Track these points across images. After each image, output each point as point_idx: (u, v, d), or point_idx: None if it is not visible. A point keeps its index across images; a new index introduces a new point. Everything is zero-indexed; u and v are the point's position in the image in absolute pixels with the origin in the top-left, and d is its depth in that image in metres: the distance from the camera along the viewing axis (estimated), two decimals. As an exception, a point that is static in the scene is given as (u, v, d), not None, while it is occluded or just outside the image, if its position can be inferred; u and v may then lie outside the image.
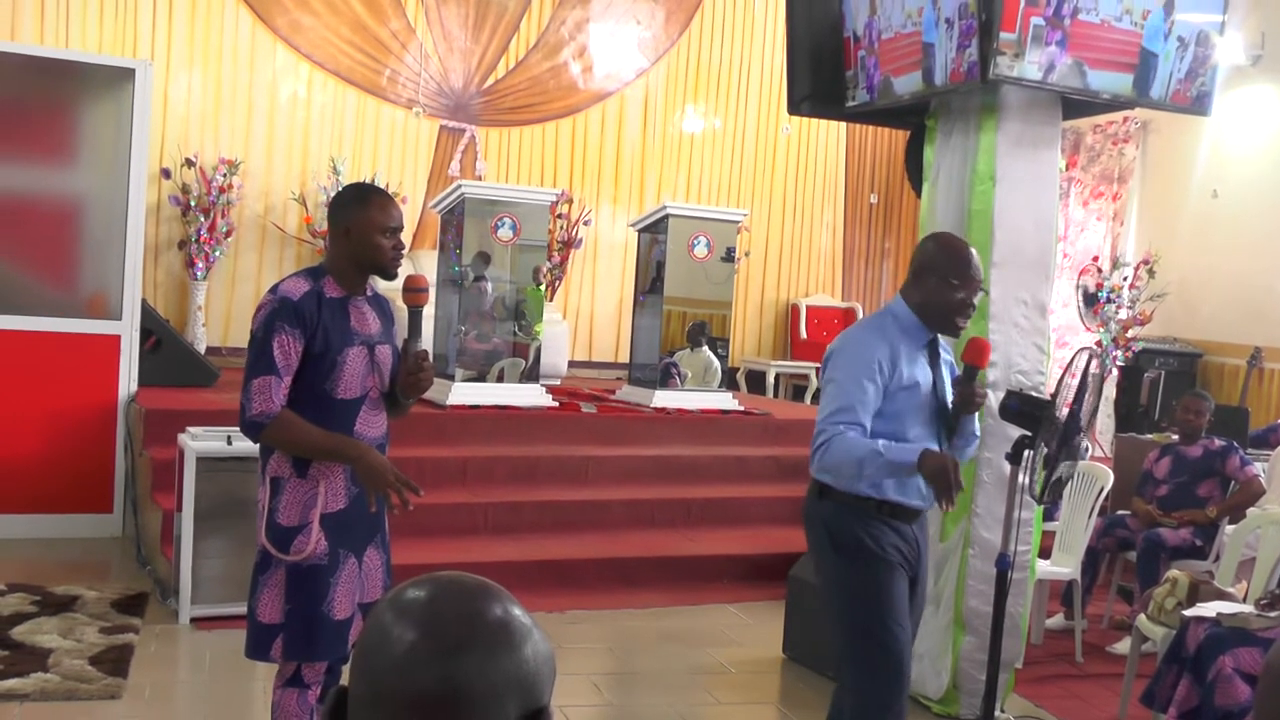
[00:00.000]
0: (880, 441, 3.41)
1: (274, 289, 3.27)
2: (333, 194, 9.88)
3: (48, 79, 7.22)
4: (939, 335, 3.67)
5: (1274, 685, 1.17)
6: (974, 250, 3.63)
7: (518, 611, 1.25)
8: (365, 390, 3.29)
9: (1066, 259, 10.71)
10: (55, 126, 7.30)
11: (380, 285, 3.48)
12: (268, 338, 3.17)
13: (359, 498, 3.29)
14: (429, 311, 8.49)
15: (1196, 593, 4.79)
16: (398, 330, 3.46)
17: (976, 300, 3.57)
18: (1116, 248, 10.68)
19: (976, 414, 3.65)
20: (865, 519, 3.51)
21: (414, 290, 3.37)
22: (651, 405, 8.62)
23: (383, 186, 3.51)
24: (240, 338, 9.18)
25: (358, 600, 3.32)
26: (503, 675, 1.20)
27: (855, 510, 3.52)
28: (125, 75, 7.23)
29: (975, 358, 3.56)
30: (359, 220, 3.26)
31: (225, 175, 9.80)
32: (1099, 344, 9.68)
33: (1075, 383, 4.20)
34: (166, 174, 9.75)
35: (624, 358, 10.54)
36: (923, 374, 3.55)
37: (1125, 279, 9.98)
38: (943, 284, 3.52)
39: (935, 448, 3.52)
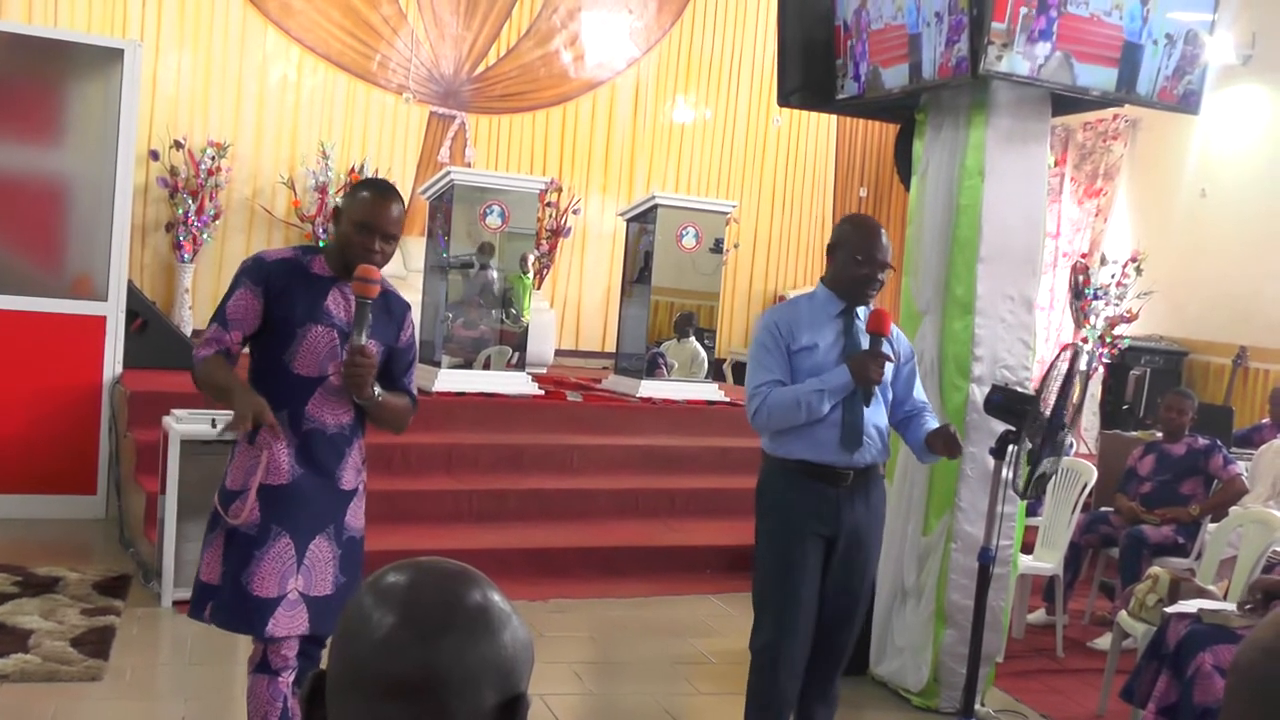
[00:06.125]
0: (813, 380, 3.77)
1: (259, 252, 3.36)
2: (321, 178, 9.98)
3: (35, 58, 7.18)
4: (864, 312, 3.91)
5: (1240, 684, 1.18)
6: (883, 231, 3.89)
7: (497, 597, 1.25)
8: (325, 372, 3.24)
9: (1065, 257, 10.74)
10: (43, 106, 7.26)
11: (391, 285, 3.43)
12: (230, 291, 3.26)
13: (303, 478, 3.25)
14: (415, 299, 8.50)
15: (1177, 590, 4.81)
16: (409, 334, 3.43)
17: (883, 276, 3.85)
18: (1099, 245, 10.68)
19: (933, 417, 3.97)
20: (787, 479, 3.85)
21: (362, 280, 3.20)
22: (637, 395, 8.63)
23: (389, 182, 3.41)
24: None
25: (299, 590, 3.24)
26: (481, 661, 1.20)
27: (779, 471, 3.88)
28: (114, 55, 7.20)
29: (875, 326, 3.79)
30: (348, 208, 3.27)
31: (214, 158, 9.78)
32: (1084, 339, 9.70)
33: (1060, 375, 4.22)
34: (155, 155, 9.72)
35: (611, 347, 10.54)
36: (824, 338, 3.84)
37: (1113, 276, 10.00)
38: (849, 259, 3.83)
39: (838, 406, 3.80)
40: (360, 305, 3.21)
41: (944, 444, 3.82)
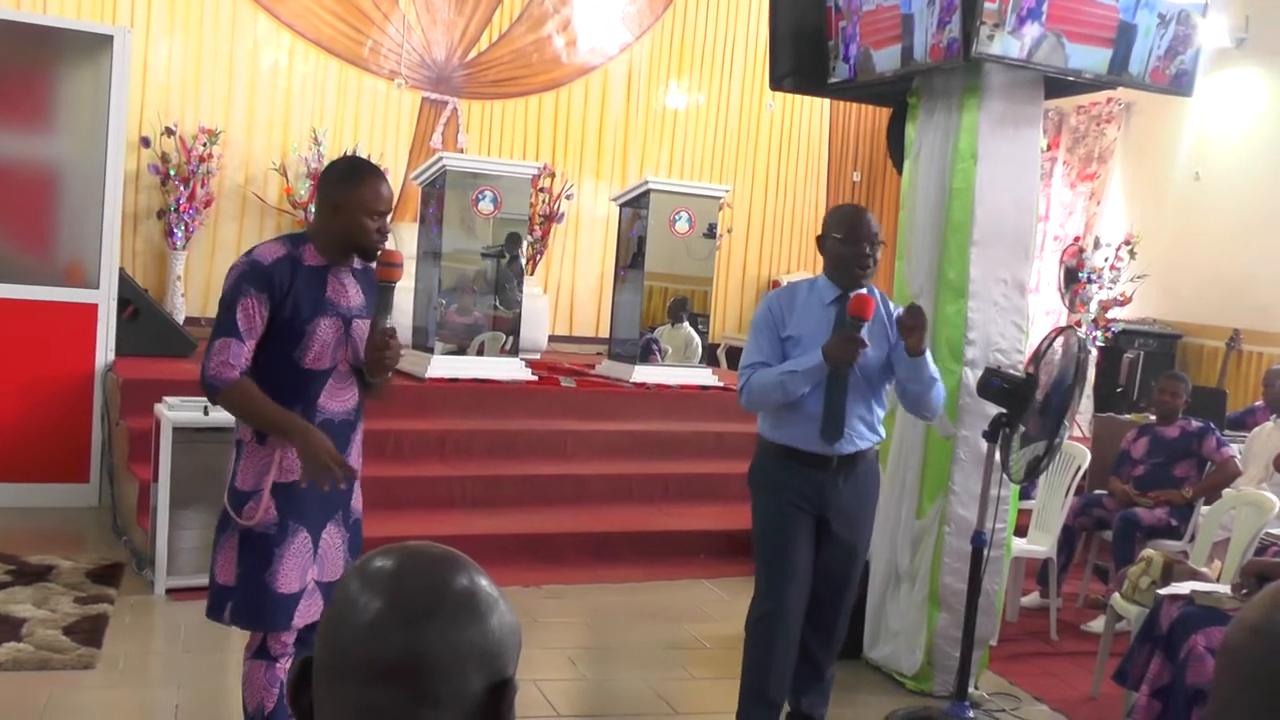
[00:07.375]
0: (789, 361, 3.89)
1: (249, 252, 3.26)
2: (314, 165, 9.92)
3: (25, 44, 7.14)
4: (855, 295, 3.90)
5: (1229, 664, 1.17)
6: (869, 213, 4.03)
7: (484, 582, 1.25)
8: (334, 362, 3.25)
9: (1057, 240, 10.73)
10: (32, 93, 7.22)
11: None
12: (234, 300, 3.16)
13: None
14: (407, 285, 8.46)
15: (1170, 572, 4.81)
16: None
17: (871, 251, 3.94)
18: (1092, 228, 10.66)
19: (926, 359, 3.94)
20: (777, 461, 4.01)
21: (387, 265, 3.24)
22: (631, 380, 8.62)
23: (366, 159, 3.44)
24: (219, 308, 9.12)
25: (314, 578, 3.28)
26: (468, 645, 1.20)
27: (770, 454, 4.04)
28: (104, 41, 7.16)
29: (856, 310, 3.82)
30: (349, 199, 3.22)
31: (205, 144, 9.72)
32: (1077, 323, 9.69)
33: (1053, 361, 4.22)
34: (146, 142, 9.67)
35: (604, 332, 10.52)
36: (810, 328, 3.92)
37: (1106, 259, 9.99)
38: (836, 242, 3.97)
39: (821, 390, 3.89)
40: (384, 289, 3.25)
41: (910, 318, 3.86)
